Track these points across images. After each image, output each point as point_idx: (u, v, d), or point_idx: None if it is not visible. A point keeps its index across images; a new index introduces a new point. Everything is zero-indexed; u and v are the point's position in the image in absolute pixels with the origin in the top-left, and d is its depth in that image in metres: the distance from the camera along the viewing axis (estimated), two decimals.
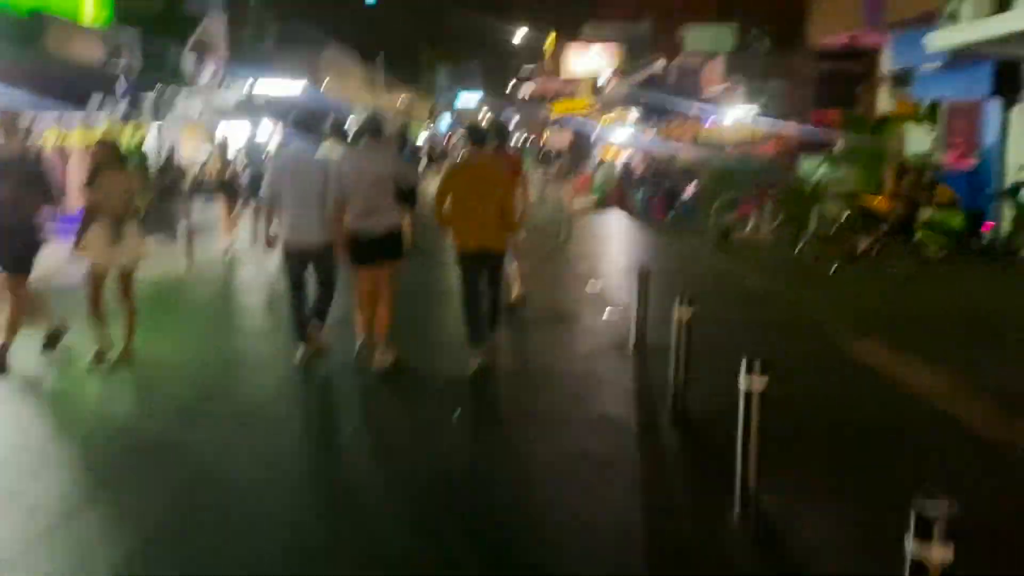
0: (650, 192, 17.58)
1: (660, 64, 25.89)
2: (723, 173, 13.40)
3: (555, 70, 52.25)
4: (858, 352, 6.55)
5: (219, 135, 24.83)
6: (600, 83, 41.96)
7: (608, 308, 8.03)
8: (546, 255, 12.02)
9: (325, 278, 6.09)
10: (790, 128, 21.12)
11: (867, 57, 20.90)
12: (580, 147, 35.94)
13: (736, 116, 21.95)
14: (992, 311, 8.06)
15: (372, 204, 5.79)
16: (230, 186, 13.35)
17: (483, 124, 7.05)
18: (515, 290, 8.09)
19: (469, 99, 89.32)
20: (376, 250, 5.89)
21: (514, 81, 79.73)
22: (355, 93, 51.04)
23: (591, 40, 33.28)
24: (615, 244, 13.81)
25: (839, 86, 22.00)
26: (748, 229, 12.89)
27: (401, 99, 67.22)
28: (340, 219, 5.81)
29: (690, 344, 4.82)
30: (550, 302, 8.69)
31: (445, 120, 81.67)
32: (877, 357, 6.40)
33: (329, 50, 45.11)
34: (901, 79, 19.20)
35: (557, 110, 47.01)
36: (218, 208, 12.89)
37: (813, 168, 15.01)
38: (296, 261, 6.01)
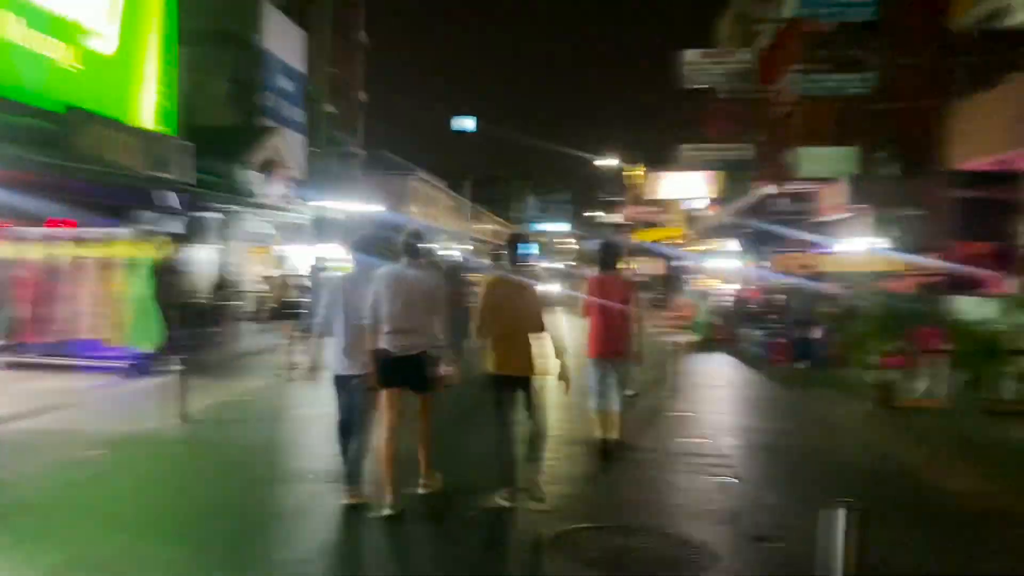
0: (770, 332, 14.61)
1: (768, 189, 23.30)
2: (877, 311, 10.36)
3: (646, 198, 50.52)
4: None
5: (285, 257, 23.32)
6: (695, 210, 39.70)
7: (756, 541, 5.09)
8: (642, 420, 9.10)
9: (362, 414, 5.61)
10: (931, 261, 18.01)
11: (1019, 182, 17.88)
12: (673, 276, 33.36)
13: (863, 246, 19.00)
14: None
15: (406, 324, 5.42)
16: (290, 310, 11.49)
17: (521, 238, 6.28)
18: (616, 427, 7.10)
19: (558, 228, 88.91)
20: (405, 372, 5.44)
21: (601, 211, 78.84)
22: (441, 219, 50.29)
23: (686, 168, 31.16)
24: (738, 405, 10.82)
25: (985, 215, 18.91)
26: (919, 389, 9.74)
27: (489, 227, 66.63)
28: (374, 340, 5.42)
29: None
30: (649, 512, 5.75)
31: (533, 249, 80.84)
32: None
33: (416, 176, 44.55)
34: None
35: (649, 238, 44.84)
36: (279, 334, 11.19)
37: (981, 309, 11.85)
38: (347, 395, 5.66)
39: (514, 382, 5.63)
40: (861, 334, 9.81)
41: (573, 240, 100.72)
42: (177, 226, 16.34)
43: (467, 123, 65.25)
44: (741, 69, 27.72)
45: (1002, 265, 18.95)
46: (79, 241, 11.28)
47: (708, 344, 17.57)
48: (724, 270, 22.36)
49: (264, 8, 22.32)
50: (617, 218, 73.42)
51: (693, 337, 18.26)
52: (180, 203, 15.31)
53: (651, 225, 46.27)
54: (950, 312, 13.53)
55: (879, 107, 19.67)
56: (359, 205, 26.29)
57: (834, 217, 20.36)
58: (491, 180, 72.79)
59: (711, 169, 30.24)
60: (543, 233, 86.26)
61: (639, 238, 43.48)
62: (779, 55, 25.82)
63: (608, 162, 52.30)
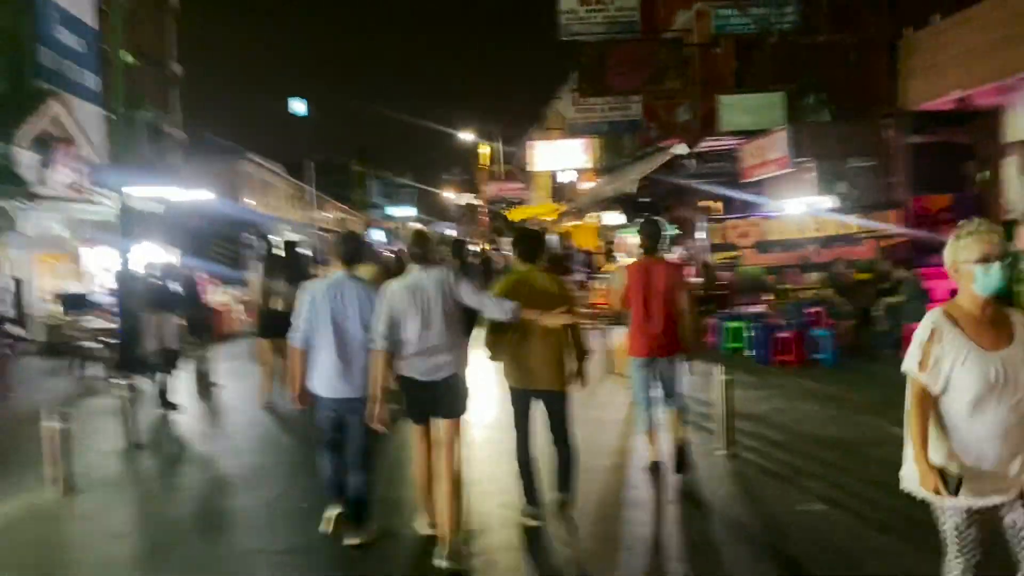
0: (759, 322, 11.22)
1: (677, 149, 20.12)
2: None
3: (527, 169, 47.06)
4: None
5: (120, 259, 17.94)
6: (568, 183, 36.52)
7: None
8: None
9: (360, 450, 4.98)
10: (895, 220, 15.34)
11: (982, 123, 15.51)
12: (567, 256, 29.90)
13: (805, 207, 16.13)
14: None
15: (428, 344, 4.66)
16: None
17: (533, 231, 6.23)
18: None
19: (404, 213, 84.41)
20: (430, 399, 4.73)
21: (452, 192, 75.05)
22: (282, 208, 44.69)
23: (565, 135, 27.82)
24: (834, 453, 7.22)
25: (941, 162, 16.51)
26: None
27: (333, 215, 61.37)
28: (382, 373, 4.64)
29: None
30: None
31: (379, 235, 76.03)
32: None
33: (248, 160, 38.79)
34: None
35: (514, 217, 41.42)
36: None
37: None
38: (333, 421, 5.00)
39: (533, 396, 5.14)
40: None
41: (419, 224, 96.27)
42: None
43: (298, 106, 59.24)
44: (624, 16, 24.39)
45: (961, 220, 16.70)
46: None
47: None
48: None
49: None
50: (468, 198, 69.94)
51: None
52: None
53: (517, 203, 42.87)
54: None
55: (816, 41, 16.78)
56: (181, 193, 21.05)
57: (767, 175, 17.39)
58: (331, 165, 66.95)
59: (595, 133, 26.96)
60: (391, 219, 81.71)
61: (512, 217, 39.98)
62: None
63: (466, 137, 48.41)
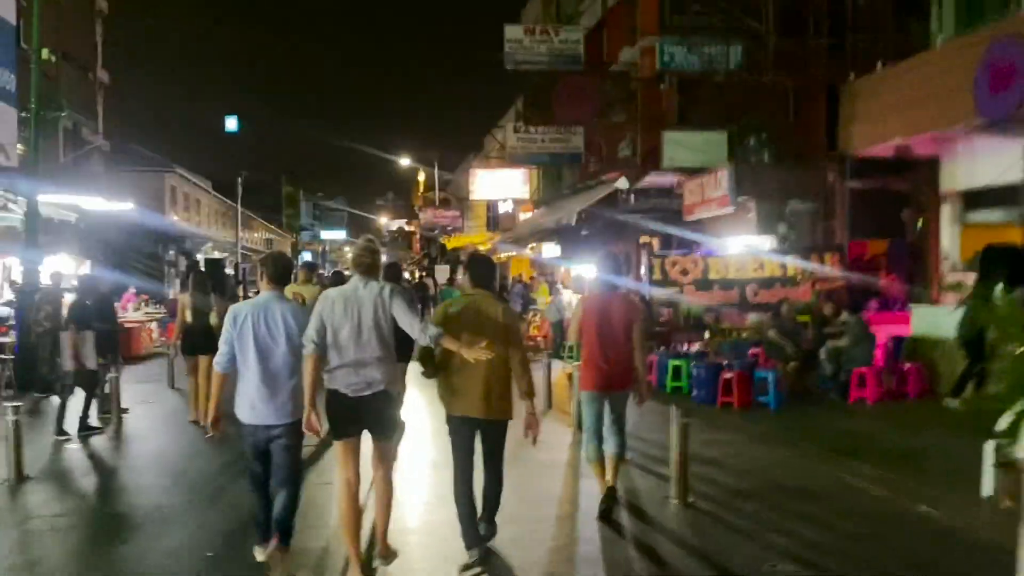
0: (703, 361, 10.89)
1: (619, 183, 19.97)
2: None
3: (442, 201, 46.64)
4: None
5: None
6: (504, 212, 36.24)
7: None
8: None
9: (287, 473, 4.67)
10: (833, 264, 15.35)
11: (919, 172, 15.72)
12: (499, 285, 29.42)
13: (745, 247, 16.06)
14: None
15: (358, 357, 4.52)
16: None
17: (480, 257, 5.84)
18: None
19: (334, 236, 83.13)
20: (359, 417, 4.57)
21: (385, 217, 74.19)
22: (208, 225, 43.15)
23: (507, 164, 27.46)
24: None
25: (882, 209, 16.68)
26: None
27: (261, 235, 59.81)
28: (314, 378, 4.49)
29: None
30: None
31: (307, 257, 74.54)
32: None
33: (174, 173, 37.34)
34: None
35: (451, 245, 40.94)
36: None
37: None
38: (257, 448, 4.69)
39: (474, 424, 4.87)
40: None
41: (348, 249, 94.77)
42: None
43: (229, 123, 57.74)
44: (568, 48, 24.29)
45: (897, 266, 16.86)
46: None
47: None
48: (578, 278, 18.71)
49: None
50: (401, 224, 69.19)
51: (569, 365, 14.29)
52: None
53: (452, 231, 42.35)
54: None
55: (760, 82, 16.85)
56: (100, 203, 19.91)
57: (708, 213, 17.32)
58: (261, 184, 65.35)
59: (536, 164, 26.70)
60: (321, 241, 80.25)
61: (449, 245, 39.48)
62: (613, 31, 22.81)
63: (402, 162, 47.81)
